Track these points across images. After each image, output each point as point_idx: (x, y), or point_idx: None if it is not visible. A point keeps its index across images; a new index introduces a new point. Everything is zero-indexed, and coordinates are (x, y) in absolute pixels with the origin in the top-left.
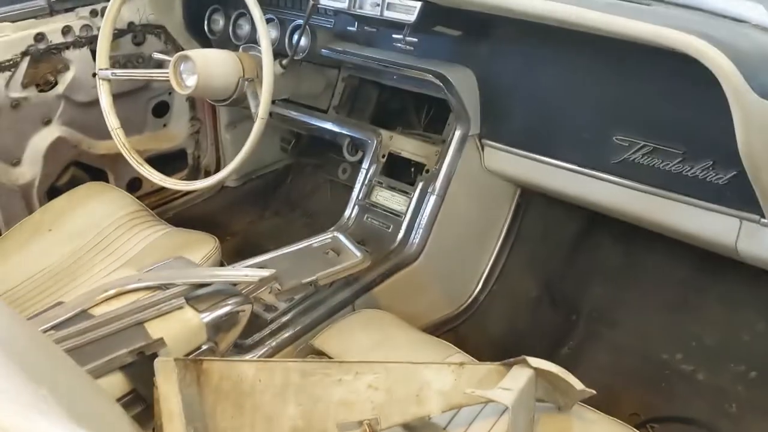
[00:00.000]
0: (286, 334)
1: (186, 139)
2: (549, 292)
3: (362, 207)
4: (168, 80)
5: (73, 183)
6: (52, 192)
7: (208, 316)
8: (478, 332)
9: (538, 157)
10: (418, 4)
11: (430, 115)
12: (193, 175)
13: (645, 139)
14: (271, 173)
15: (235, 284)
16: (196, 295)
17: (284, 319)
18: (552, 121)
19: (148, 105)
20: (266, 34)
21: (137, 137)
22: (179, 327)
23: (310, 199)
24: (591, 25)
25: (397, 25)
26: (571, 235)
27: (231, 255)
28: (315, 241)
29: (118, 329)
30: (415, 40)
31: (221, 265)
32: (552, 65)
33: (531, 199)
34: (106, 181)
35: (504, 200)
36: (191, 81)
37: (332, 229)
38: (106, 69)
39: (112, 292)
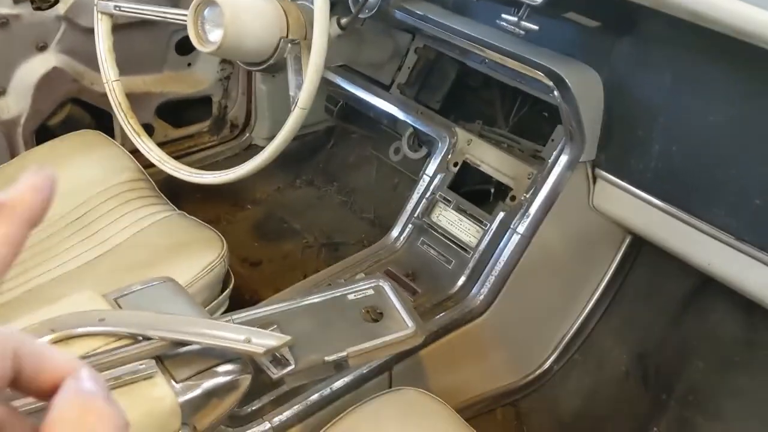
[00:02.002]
0: (296, 407)
1: (213, 84)
2: (641, 366)
3: (418, 227)
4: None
5: (68, 124)
6: (43, 132)
7: (188, 394)
8: (544, 409)
9: (671, 209)
10: None
11: (522, 112)
12: (217, 128)
13: None
14: (310, 135)
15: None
16: (175, 355)
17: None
18: (706, 166)
19: (171, 39)
20: None
21: (155, 76)
22: (143, 408)
23: (351, 173)
24: None
25: (510, 1)
26: (682, 293)
27: (249, 228)
28: (351, 289)
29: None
30: (536, 28)
31: (227, 277)
32: (722, 89)
33: (642, 249)
34: (110, 124)
35: (608, 248)
36: (215, 35)
37: (373, 252)
38: (109, 0)
39: (59, 334)
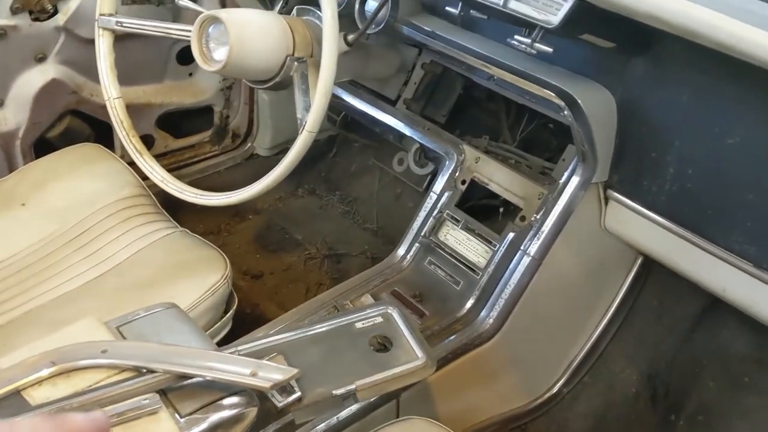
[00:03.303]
0: None
1: (214, 94)
2: (651, 386)
3: (425, 245)
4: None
5: (67, 136)
6: (41, 145)
7: (193, 429)
8: None
9: (685, 233)
10: (569, 2)
11: (531, 127)
12: (218, 138)
13: None
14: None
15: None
16: (180, 388)
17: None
18: (723, 190)
19: (172, 48)
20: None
21: (155, 86)
22: None
23: (354, 182)
24: None
25: (523, 22)
26: (692, 312)
27: (250, 239)
28: (359, 317)
29: None
30: (550, 50)
31: (230, 298)
32: (741, 111)
33: (653, 269)
34: (109, 136)
35: (619, 270)
36: (220, 54)
37: (379, 272)
38: (110, 15)
39: (60, 367)
